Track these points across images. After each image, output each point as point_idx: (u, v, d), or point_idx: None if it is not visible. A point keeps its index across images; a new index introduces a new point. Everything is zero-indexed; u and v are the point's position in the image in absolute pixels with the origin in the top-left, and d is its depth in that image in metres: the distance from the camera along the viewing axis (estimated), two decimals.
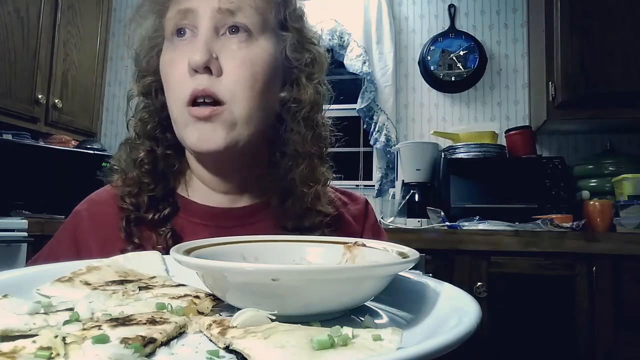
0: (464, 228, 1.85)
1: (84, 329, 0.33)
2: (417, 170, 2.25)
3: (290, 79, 0.70)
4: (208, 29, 0.63)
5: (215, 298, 0.44)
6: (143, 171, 0.70)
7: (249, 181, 0.73)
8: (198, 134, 0.63)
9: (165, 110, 0.70)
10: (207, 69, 0.62)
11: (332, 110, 0.76)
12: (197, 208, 0.72)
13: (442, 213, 1.99)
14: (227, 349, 0.33)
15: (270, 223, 0.72)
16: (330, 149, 0.75)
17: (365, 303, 0.45)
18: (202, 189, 0.73)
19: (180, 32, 0.65)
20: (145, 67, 0.72)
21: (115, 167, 0.74)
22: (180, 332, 0.36)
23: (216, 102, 0.63)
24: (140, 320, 0.35)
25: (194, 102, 0.63)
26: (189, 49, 0.63)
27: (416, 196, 2.20)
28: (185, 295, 0.44)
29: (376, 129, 2.52)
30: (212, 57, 0.62)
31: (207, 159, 0.68)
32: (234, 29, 0.64)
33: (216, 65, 0.62)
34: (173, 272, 0.53)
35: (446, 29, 2.60)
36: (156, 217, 0.69)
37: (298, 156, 0.70)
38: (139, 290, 0.45)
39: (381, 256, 0.48)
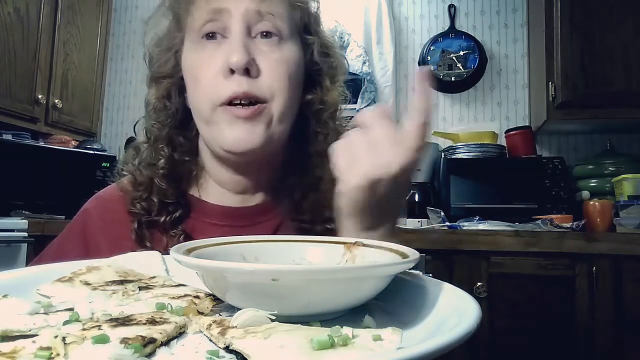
0: (464, 228, 1.85)
1: (84, 329, 0.33)
2: (417, 170, 2.25)
3: (314, 81, 0.71)
4: (242, 29, 0.63)
5: (215, 298, 0.44)
6: (158, 175, 0.69)
7: (264, 180, 0.73)
8: (238, 134, 0.63)
9: (181, 113, 0.70)
10: (245, 71, 0.61)
11: None
12: (210, 208, 0.72)
13: (442, 213, 1.99)
14: (227, 349, 0.33)
15: (283, 220, 0.72)
16: None
17: (365, 303, 0.45)
18: (215, 190, 0.73)
19: (209, 33, 0.64)
20: (163, 69, 0.71)
21: (124, 171, 0.73)
22: (180, 332, 0.36)
23: (256, 101, 0.63)
24: (140, 320, 0.35)
25: (230, 103, 0.62)
26: (222, 49, 0.63)
27: (416, 196, 2.20)
28: (185, 295, 0.44)
29: None
30: (250, 58, 0.61)
31: (238, 158, 0.67)
32: (265, 33, 0.64)
33: (255, 67, 0.62)
34: (173, 272, 0.53)
35: (446, 29, 2.60)
36: (167, 220, 0.69)
37: (324, 155, 0.71)
38: (139, 290, 0.45)
39: (381, 256, 0.48)
